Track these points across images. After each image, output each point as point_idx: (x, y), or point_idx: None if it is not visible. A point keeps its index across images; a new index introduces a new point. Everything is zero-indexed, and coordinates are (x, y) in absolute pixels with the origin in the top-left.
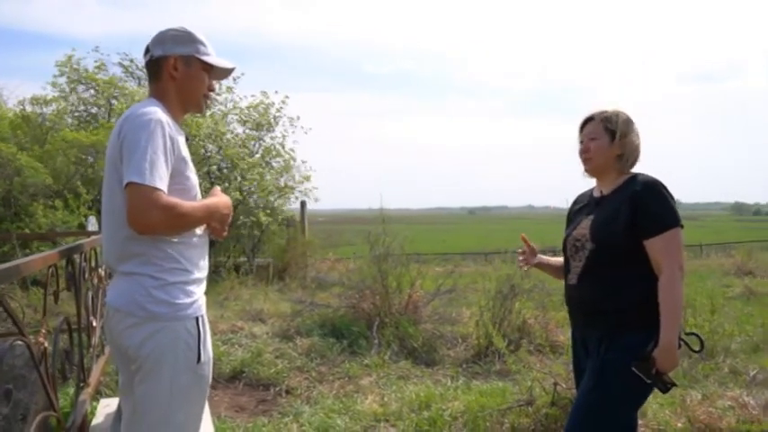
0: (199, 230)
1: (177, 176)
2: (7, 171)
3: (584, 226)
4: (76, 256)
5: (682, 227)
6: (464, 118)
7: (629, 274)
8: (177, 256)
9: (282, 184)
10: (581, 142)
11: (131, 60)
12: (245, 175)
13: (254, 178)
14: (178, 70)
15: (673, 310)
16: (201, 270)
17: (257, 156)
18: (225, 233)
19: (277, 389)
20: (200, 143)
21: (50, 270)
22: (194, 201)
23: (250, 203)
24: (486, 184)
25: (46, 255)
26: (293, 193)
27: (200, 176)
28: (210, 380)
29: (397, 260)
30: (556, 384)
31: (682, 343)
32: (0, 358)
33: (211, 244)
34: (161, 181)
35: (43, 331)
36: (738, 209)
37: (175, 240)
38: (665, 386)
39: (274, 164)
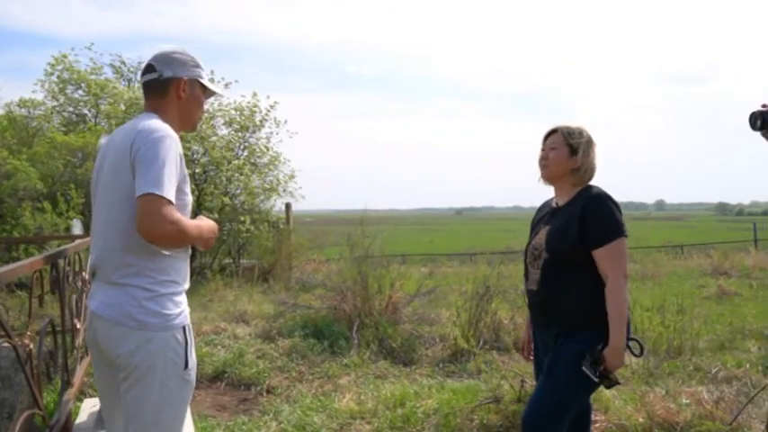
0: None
1: (178, 192)
2: None
3: (542, 235)
4: (60, 261)
5: (626, 237)
6: (449, 119)
7: (581, 280)
8: (169, 269)
9: (268, 185)
10: (542, 150)
11: (122, 62)
12: (231, 178)
13: (241, 180)
14: (185, 92)
15: (619, 315)
16: (186, 282)
17: (243, 156)
18: (210, 246)
19: (258, 388)
20: (186, 144)
21: (35, 275)
22: (193, 220)
23: (236, 206)
24: (473, 184)
25: (33, 260)
26: (279, 194)
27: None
28: (194, 383)
29: (377, 262)
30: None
31: (627, 347)
32: None
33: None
34: (173, 195)
35: (29, 333)
36: (722, 209)
37: (167, 254)
38: (610, 383)
39: (259, 162)
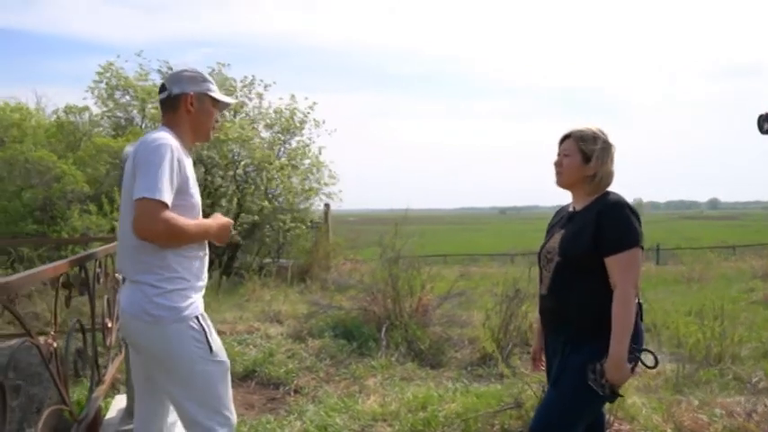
0: (195, 245)
1: (182, 194)
2: (46, 178)
3: (556, 239)
4: (90, 264)
5: (641, 247)
6: (492, 118)
7: (593, 286)
8: (176, 267)
9: (308, 187)
10: (557, 155)
11: (170, 68)
12: (271, 179)
13: (281, 182)
14: (194, 106)
15: (622, 325)
16: (199, 279)
17: (283, 158)
18: (224, 241)
19: (286, 388)
20: (228, 147)
21: (61, 277)
22: (195, 219)
23: (276, 206)
24: (516, 183)
25: (56, 264)
26: (318, 195)
27: (227, 179)
28: (228, 363)
29: (409, 263)
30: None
31: (635, 357)
32: (18, 357)
33: (237, 246)
34: (167, 197)
35: (52, 333)
36: None
37: (177, 252)
38: (614, 395)
39: (301, 166)
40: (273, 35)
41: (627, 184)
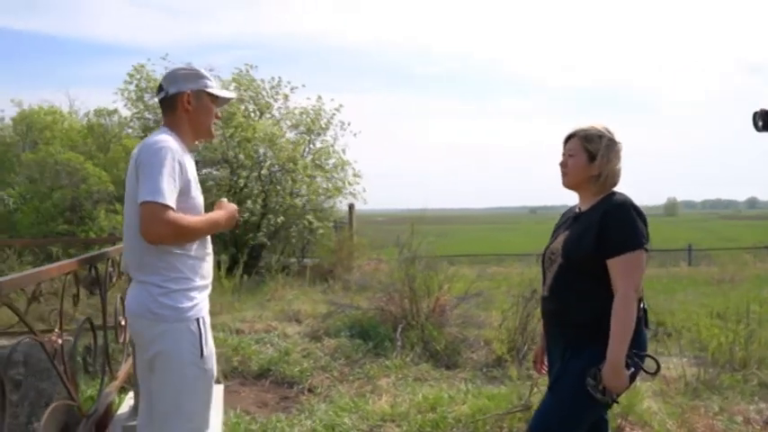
0: (196, 245)
1: (184, 196)
2: (75, 179)
3: (560, 240)
4: (101, 264)
5: (645, 250)
6: (521, 118)
7: (596, 289)
8: (180, 266)
9: (332, 186)
10: (563, 155)
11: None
12: (296, 179)
13: (305, 181)
14: (191, 104)
15: (621, 330)
16: (203, 278)
17: (308, 158)
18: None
19: (300, 387)
20: (254, 147)
21: (68, 276)
22: (206, 214)
23: (300, 206)
24: (547, 183)
25: (61, 264)
26: (342, 195)
27: (252, 179)
28: (215, 373)
29: (427, 263)
30: None
31: (635, 363)
32: (29, 353)
33: (262, 245)
34: (170, 199)
35: (56, 331)
36: None
37: (178, 252)
38: (612, 401)
39: (326, 166)
40: (303, 36)
41: (660, 182)
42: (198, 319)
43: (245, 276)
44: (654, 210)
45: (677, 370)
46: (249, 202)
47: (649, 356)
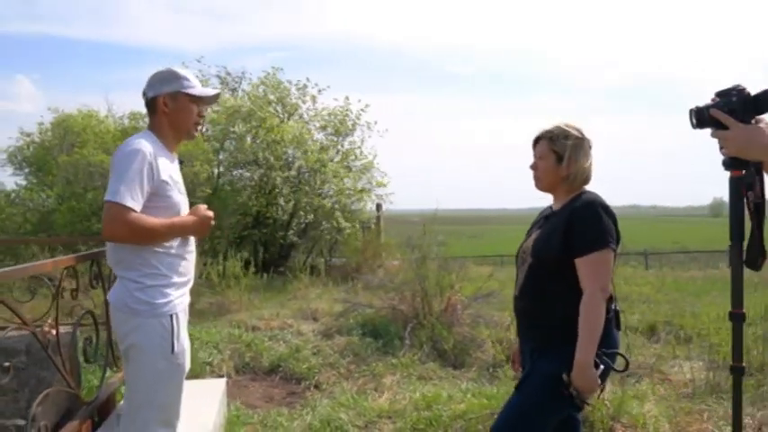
0: (177, 242)
1: (157, 197)
2: (107, 180)
3: (531, 240)
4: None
5: (613, 249)
6: (557, 116)
7: (565, 290)
8: (156, 264)
9: (360, 187)
10: (534, 158)
11: (228, 73)
12: (325, 180)
13: (334, 182)
14: (168, 106)
15: (589, 330)
16: (181, 276)
17: (337, 159)
18: (208, 232)
19: (307, 383)
20: (283, 149)
21: (65, 271)
22: (174, 217)
23: (328, 206)
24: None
25: (57, 259)
26: (370, 196)
27: (281, 180)
28: (187, 367)
29: (439, 263)
30: None
31: (604, 362)
32: (31, 343)
33: (291, 246)
34: (132, 201)
35: (49, 322)
36: None
37: (156, 249)
38: (582, 403)
39: (353, 167)
40: (340, 36)
41: (705, 183)
42: (171, 315)
43: (271, 275)
44: (699, 210)
45: (687, 374)
46: (281, 199)
47: (618, 354)
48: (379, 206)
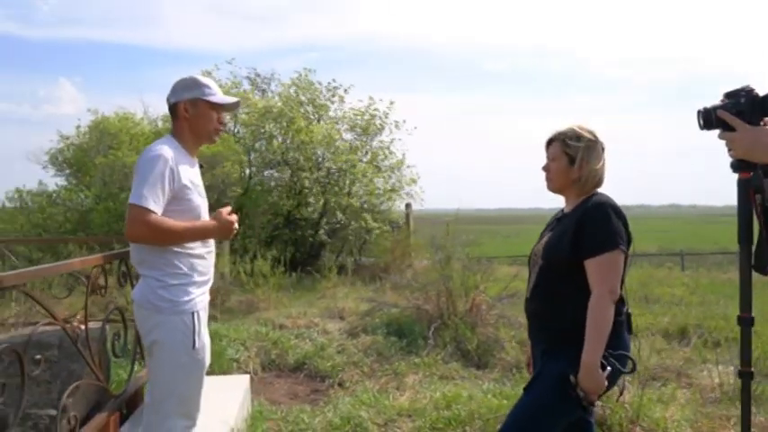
0: (197, 243)
1: (179, 200)
2: None
3: (543, 242)
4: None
5: (623, 252)
6: (593, 113)
7: (575, 292)
8: (177, 263)
9: (389, 187)
10: (546, 159)
11: (257, 74)
12: (354, 180)
13: (363, 182)
14: (188, 112)
15: (596, 332)
16: (202, 275)
17: (366, 159)
18: (231, 235)
19: (331, 381)
20: (312, 149)
21: (95, 269)
22: (195, 220)
23: (357, 206)
24: (624, 182)
25: (85, 258)
26: (399, 196)
27: (311, 180)
28: (207, 363)
29: (465, 264)
30: None
31: (611, 364)
32: (63, 337)
33: (321, 245)
34: (153, 204)
35: (78, 317)
36: None
37: (177, 250)
38: (590, 405)
39: (383, 166)
40: (376, 36)
41: None
42: (193, 313)
43: (300, 274)
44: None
45: (715, 378)
46: (311, 199)
47: (625, 355)
48: (408, 205)
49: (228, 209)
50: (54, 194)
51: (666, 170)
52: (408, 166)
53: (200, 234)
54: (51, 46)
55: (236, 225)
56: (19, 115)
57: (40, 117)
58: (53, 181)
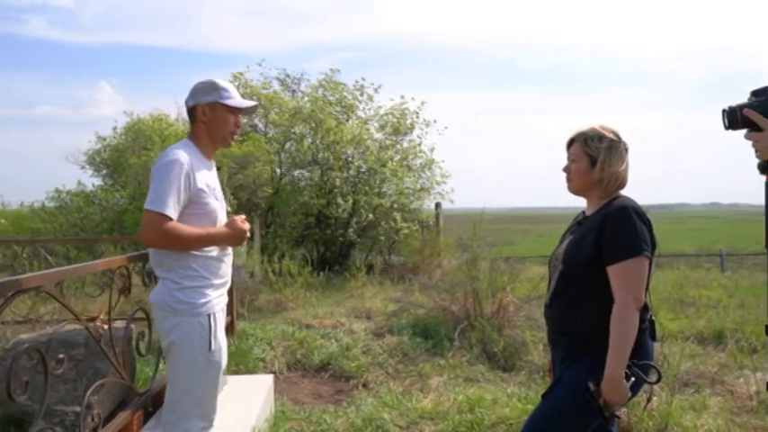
0: (213, 248)
1: (193, 204)
2: None
3: (563, 246)
4: None
5: (647, 257)
6: (628, 110)
7: (595, 297)
8: (195, 266)
9: (419, 186)
10: (567, 161)
11: (287, 75)
12: (384, 179)
13: (393, 181)
14: (206, 115)
15: (620, 342)
16: (219, 278)
17: (396, 159)
18: (242, 243)
19: (355, 381)
20: (342, 149)
21: (118, 271)
22: (212, 224)
23: (387, 206)
24: (663, 180)
25: (109, 260)
26: (429, 195)
27: (341, 179)
28: (224, 364)
29: (493, 264)
30: None
31: (635, 374)
32: (89, 336)
33: (351, 245)
34: (169, 209)
35: (101, 317)
36: None
37: (196, 254)
38: (611, 415)
39: (413, 165)
40: (409, 36)
41: None
42: (209, 315)
43: (330, 274)
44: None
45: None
46: (340, 199)
47: (649, 365)
48: (438, 205)
49: (243, 217)
50: (91, 194)
51: (705, 168)
52: (438, 163)
53: (212, 241)
54: (92, 50)
55: (248, 234)
56: (62, 118)
57: (81, 119)
58: (91, 181)
